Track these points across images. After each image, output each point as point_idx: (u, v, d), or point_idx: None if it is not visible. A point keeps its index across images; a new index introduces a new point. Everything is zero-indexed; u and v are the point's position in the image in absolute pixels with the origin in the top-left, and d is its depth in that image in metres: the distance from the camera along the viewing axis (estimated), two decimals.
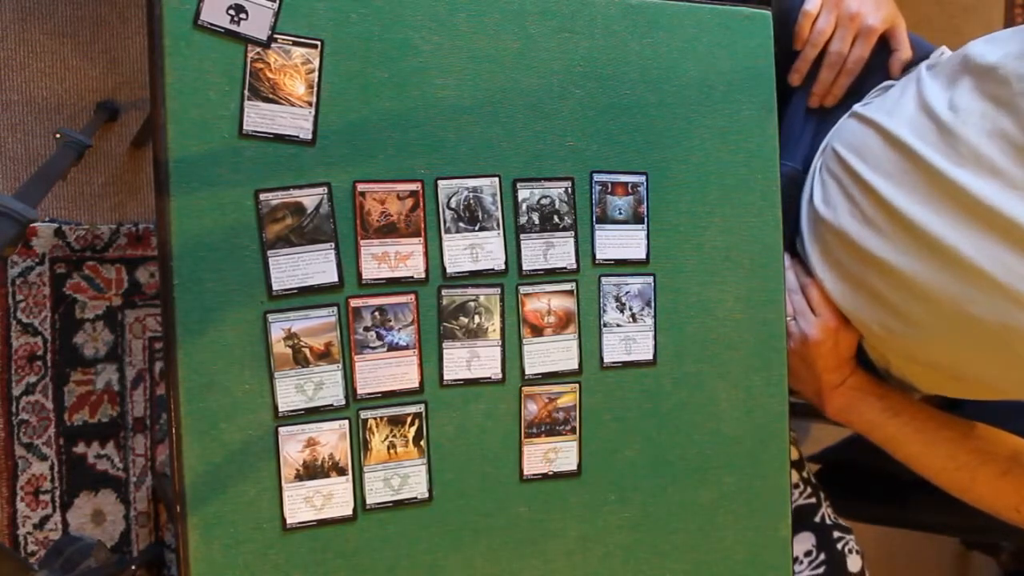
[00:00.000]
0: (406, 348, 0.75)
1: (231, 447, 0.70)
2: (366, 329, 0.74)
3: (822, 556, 1.05)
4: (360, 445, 0.74)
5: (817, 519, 1.07)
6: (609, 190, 0.81)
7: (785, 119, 0.97)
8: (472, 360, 0.77)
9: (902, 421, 0.89)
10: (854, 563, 1.06)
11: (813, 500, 1.07)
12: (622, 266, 0.82)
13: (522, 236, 0.78)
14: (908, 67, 0.95)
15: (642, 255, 0.82)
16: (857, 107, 0.91)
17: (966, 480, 0.88)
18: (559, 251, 0.79)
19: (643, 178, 0.82)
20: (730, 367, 0.85)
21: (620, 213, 0.81)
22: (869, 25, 0.92)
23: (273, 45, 0.71)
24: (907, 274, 0.77)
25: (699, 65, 0.84)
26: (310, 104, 0.72)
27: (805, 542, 1.05)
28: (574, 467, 0.80)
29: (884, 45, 0.95)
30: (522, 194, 0.78)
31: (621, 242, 0.81)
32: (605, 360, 0.81)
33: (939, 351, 0.81)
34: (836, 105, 0.97)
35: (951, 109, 0.76)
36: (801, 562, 1.04)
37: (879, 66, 0.96)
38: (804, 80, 0.97)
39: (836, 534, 1.07)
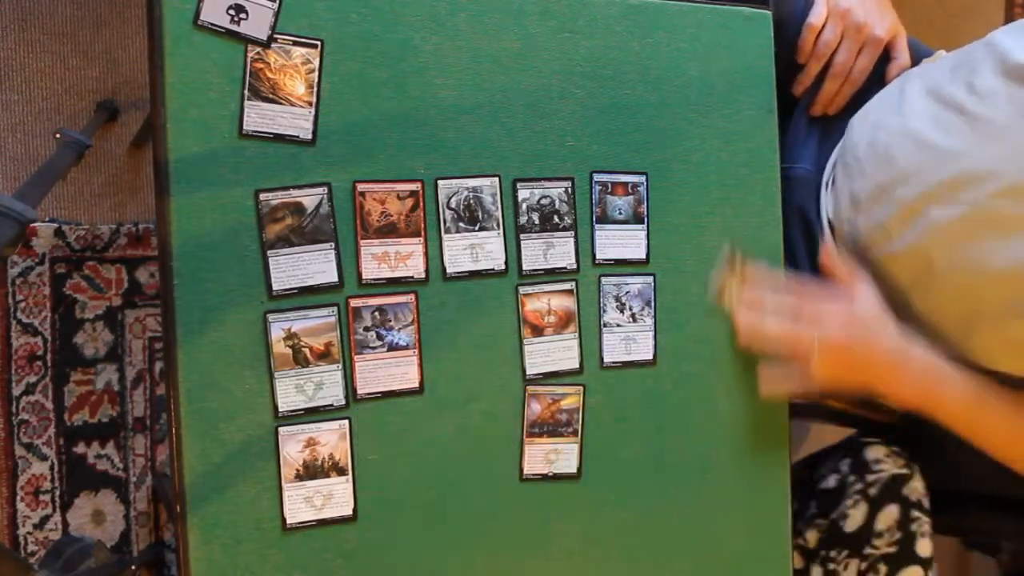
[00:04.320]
0: (406, 348, 0.75)
1: (231, 447, 0.70)
2: (366, 329, 0.74)
3: (898, 535, 0.99)
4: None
5: (905, 491, 0.98)
6: (609, 190, 0.81)
7: (791, 125, 0.96)
8: None
9: (988, 405, 0.80)
10: (923, 547, 1.00)
11: (906, 470, 0.98)
12: (622, 266, 0.82)
13: (522, 236, 0.78)
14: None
15: (642, 255, 0.82)
16: (858, 116, 0.90)
17: None
18: (559, 251, 0.79)
19: (643, 178, 0.82)
20: (730, 367, 0.85)
21: (620, 213, 0.81)
22: (876, 36, 0.92)
23: (273, 45, 0.71)
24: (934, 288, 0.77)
25: (699, 65, 0.84)
26: (310, 104, 0.72)
27: (889, 518, 0.97)
28: (574, 470, 0.80)
29: (883, 54, 0.96)
30: (522, 194, 0.78)
31: (621, 242, 0.81)
32: (605, 360, 0.81)
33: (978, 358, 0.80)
34: (839, 113, 0.97)
35: (973, 93, 0.75)
36: (882, 536, 0.96)
37: (879, 75, 0.96)
38: (807, 89, 0.97)
39: (914, 513, 0.97)
